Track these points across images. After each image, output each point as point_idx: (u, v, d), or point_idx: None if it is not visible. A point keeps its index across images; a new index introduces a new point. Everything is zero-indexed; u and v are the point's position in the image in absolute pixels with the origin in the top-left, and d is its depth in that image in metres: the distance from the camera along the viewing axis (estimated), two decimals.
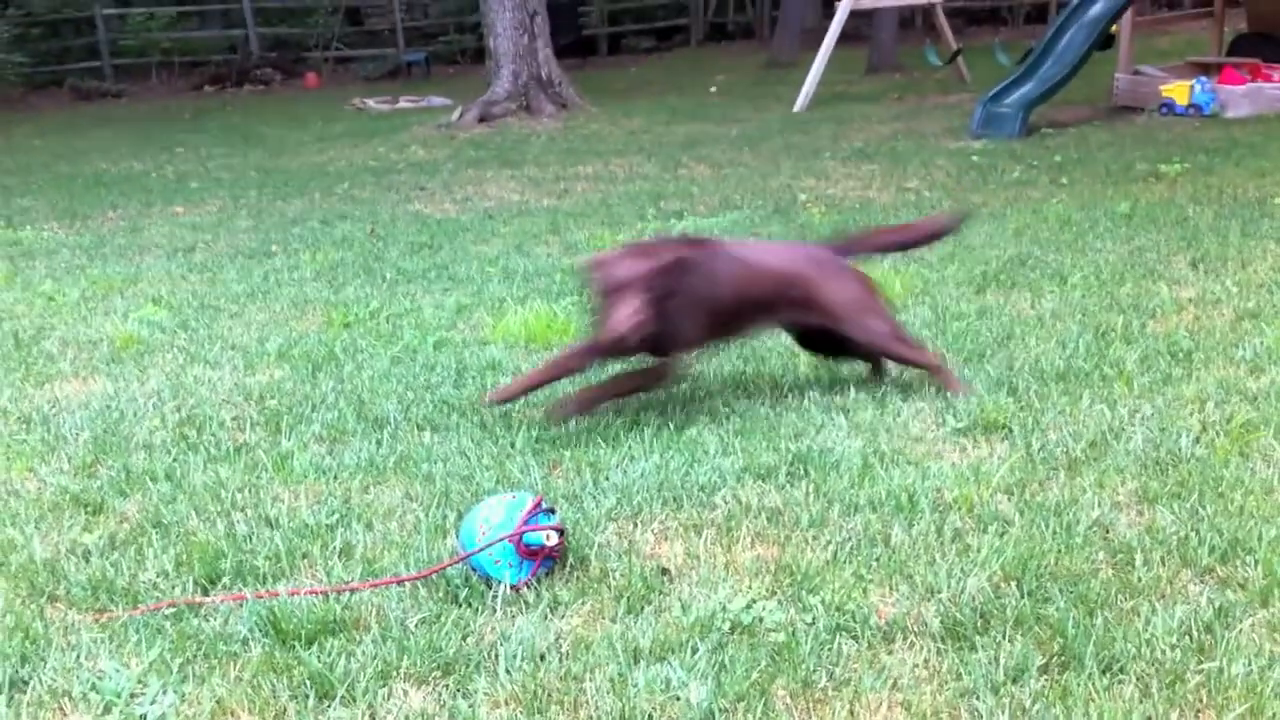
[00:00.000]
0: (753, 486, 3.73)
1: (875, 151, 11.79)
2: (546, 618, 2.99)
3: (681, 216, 8.83)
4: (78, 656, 2.87)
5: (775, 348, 5.21)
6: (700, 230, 8.17)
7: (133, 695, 2.70)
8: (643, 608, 3.02)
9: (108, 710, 2.65)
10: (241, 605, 3.08)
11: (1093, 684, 2.58)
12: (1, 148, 17.67)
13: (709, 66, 24.56)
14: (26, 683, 2.78)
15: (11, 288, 7.48)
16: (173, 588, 3.23)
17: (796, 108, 15.98)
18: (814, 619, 2.91)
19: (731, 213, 8.89)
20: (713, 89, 19.97)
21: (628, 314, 4.06)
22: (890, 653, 2.77)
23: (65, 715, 2.66)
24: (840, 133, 13.42)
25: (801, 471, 3.82)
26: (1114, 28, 13.46)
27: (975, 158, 10.90)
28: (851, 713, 2.56)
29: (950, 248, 7.10)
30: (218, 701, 2.68)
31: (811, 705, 2.59)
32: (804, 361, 4.99)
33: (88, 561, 3.40)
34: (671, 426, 4.33)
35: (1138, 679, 2.60)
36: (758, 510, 3.55)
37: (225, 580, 3.26)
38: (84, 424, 4.66)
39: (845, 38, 16.99)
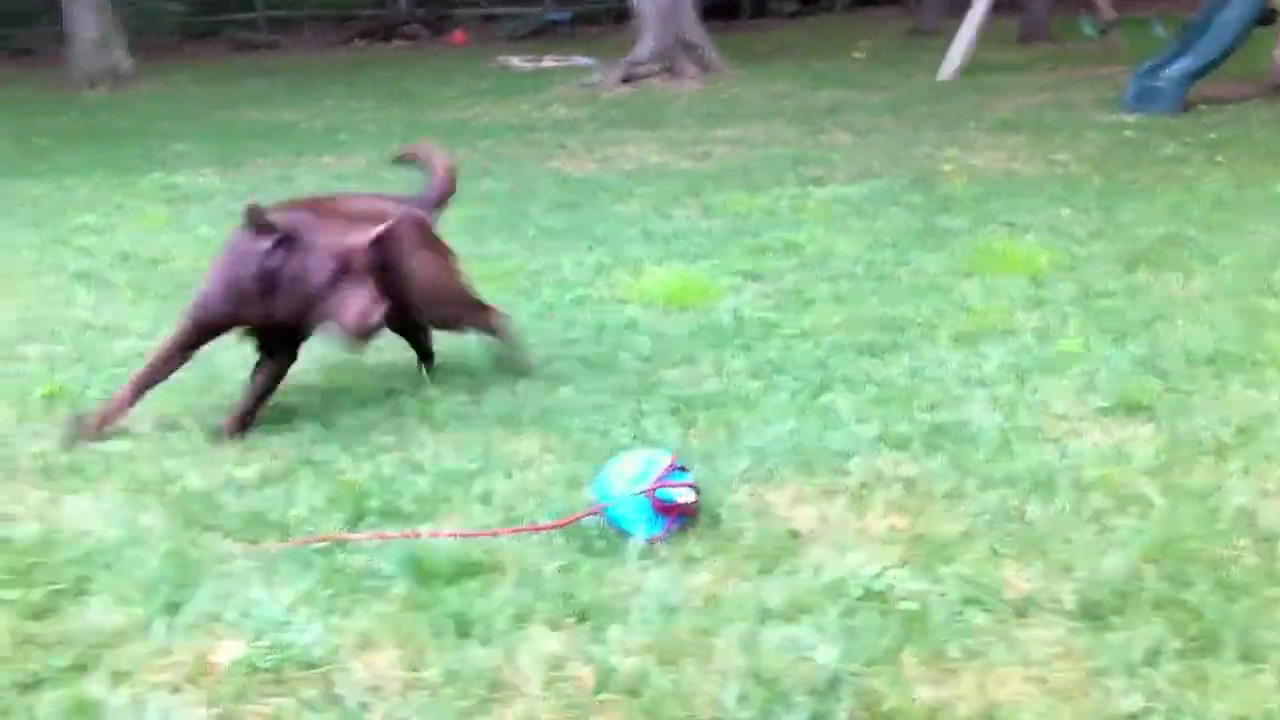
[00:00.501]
0: (888, 455, 3.74)
1: (1022, 123, 11.55)
2: (679, 573, 3.04)
3: (821, 183, 8.78)
4: (231, 584, 3.01)
5: (915, 318, 5.19)
6: (840, 199, 8.13)
7: (283, 624, 2.82)
8: (774, 569, 3.06)
9: (259, 636, 2.77)
10: (386, 544, 3.19)
11: (1230, 671, 2.54)
12: (160, 94, 18.25)
13: (853, 32, 24.23)
14: (182, 606, 2.91)
15: (170, 230, 7.78)
16: (322, 524, 3.36)
17: (942, 76, 15.70)
18: (946, 590, 2.92)
19: (872, 180, 8.81)
20: (857, 55, 19.71)
21: (369, 301, 3.87)
22: (1023, 628, 2.76)
23: (218, 639, 2.79)
24: (986, 102, 13.16)
25: (938, 443, 3.81)
26: (1276, 3, 12.94)
27: (1127, 132, 10.62)
28: (981, 685, 2.56)
29: (1099, 224, 6.97)
30: (362, 634, 2.78)
31: (941, 674, 2.60)
32: (944, 333, 4.96)
33: (241, 495, 3.56)
34: (807, 392, 4.34)
35: (1278, 669, 2.56)
36: (892, 479, 3.56)
37: (371, 519, 3.38)
38: (239, 363, 4.82)
39: (995, 6, 16.63)
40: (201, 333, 4.18)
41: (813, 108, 13.61)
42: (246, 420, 4.13)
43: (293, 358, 4.27)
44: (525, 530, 3.26)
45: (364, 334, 3.85)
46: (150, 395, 4.37)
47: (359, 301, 3.80)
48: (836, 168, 9.54)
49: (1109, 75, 14.68)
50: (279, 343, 4.18)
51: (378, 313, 3.82)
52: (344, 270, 3.80)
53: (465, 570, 3.05)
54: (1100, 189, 8.14)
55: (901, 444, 3.82)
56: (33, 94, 18.97)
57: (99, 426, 4.00)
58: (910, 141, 10.75)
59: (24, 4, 27.16)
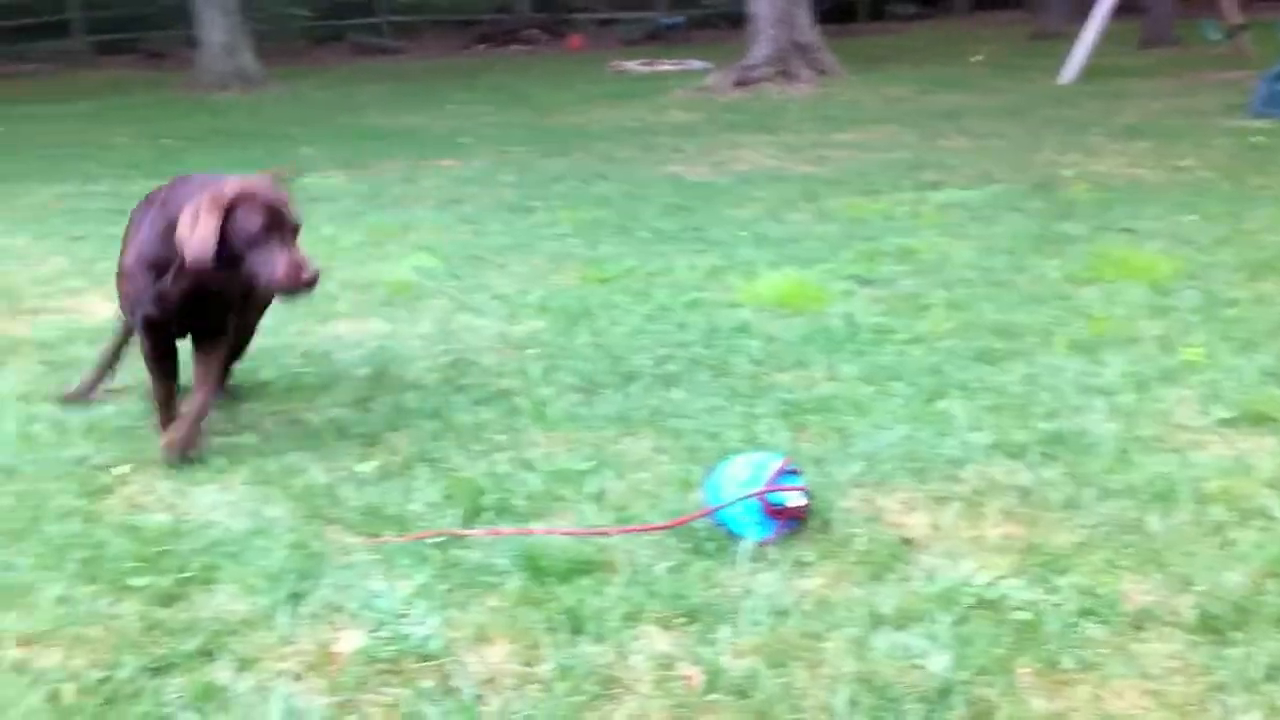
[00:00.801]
0: (1002, 464, 3.70)
1: (1147, 128, 11.31)
2: (789, 576, 3.05)
3: (938, 188, 8.69)
4: (352, 576, 3.09)
5: (1031, 325, 5.13)
6: (957, 204, 8.05)
7: (400, 615, 2.89)
8: (885, 575, 3.05)
9: (378, 627, 2.85)
10: (501, 540, 3.25)
11: None
12: (288, 98, 18.71)
13: (973, 35, 23.94)
14: (305, 596, 3.00)
15: None
16: (438, 519, 3.43)
17: (1063, 80, 15.44)
18: (1061, 601, 2.88)
19: (991, 186, 8.70)
20: (975, 59, 19.47)
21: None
22: (1140, 641, 2.72)
23: (338, 629, 2.87)
24: (1109, 107, 12.91)
25: (1054, 452, 3.77)
26: None
27: (1255, 138, 10.34)
28: (1096, 697, 2.53)
29: (1225, 231, 6.80)
30: (478, 627, 2.84)
31: (1055, 685, 2.58)
32: (1062, 341, 4.89)
33: (362, 489, 3.65)
34: (921, 398, 4.32)
35: None
36: (1007, 488, 3.53)
37: (486, 515, 3.45)
38: (360, 361, 4.96)
39: (1118, 9, 16.30)
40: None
41: (930, 112, 13.48)
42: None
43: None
44: (637, 530, 3.30)
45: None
46: (279, 393, 4.52)
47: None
48: (954, 173, 9.44)
49: (1235, 80, 14.32)
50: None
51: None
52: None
53: (578, 568, 3.09)
54: (1227, 195, 7.95)
55: (1017, 452, 3.78)
56: (164, 97, 19.56)
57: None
58: (1030, 147, 10.59)
59: (155, 8, 28.08)
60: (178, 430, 3.84)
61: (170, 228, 3.58)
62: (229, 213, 3.48)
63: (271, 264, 3.49)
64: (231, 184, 3.56)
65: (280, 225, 3.52)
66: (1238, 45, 17.04)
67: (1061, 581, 2.96)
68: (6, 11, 27.88)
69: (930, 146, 10.98)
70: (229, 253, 3.50)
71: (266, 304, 4.26)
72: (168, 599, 2.98)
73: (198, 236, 3.44)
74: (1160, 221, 7.21)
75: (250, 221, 3.48)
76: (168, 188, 3.82)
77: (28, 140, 14.67)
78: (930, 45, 22.81)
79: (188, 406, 3.91)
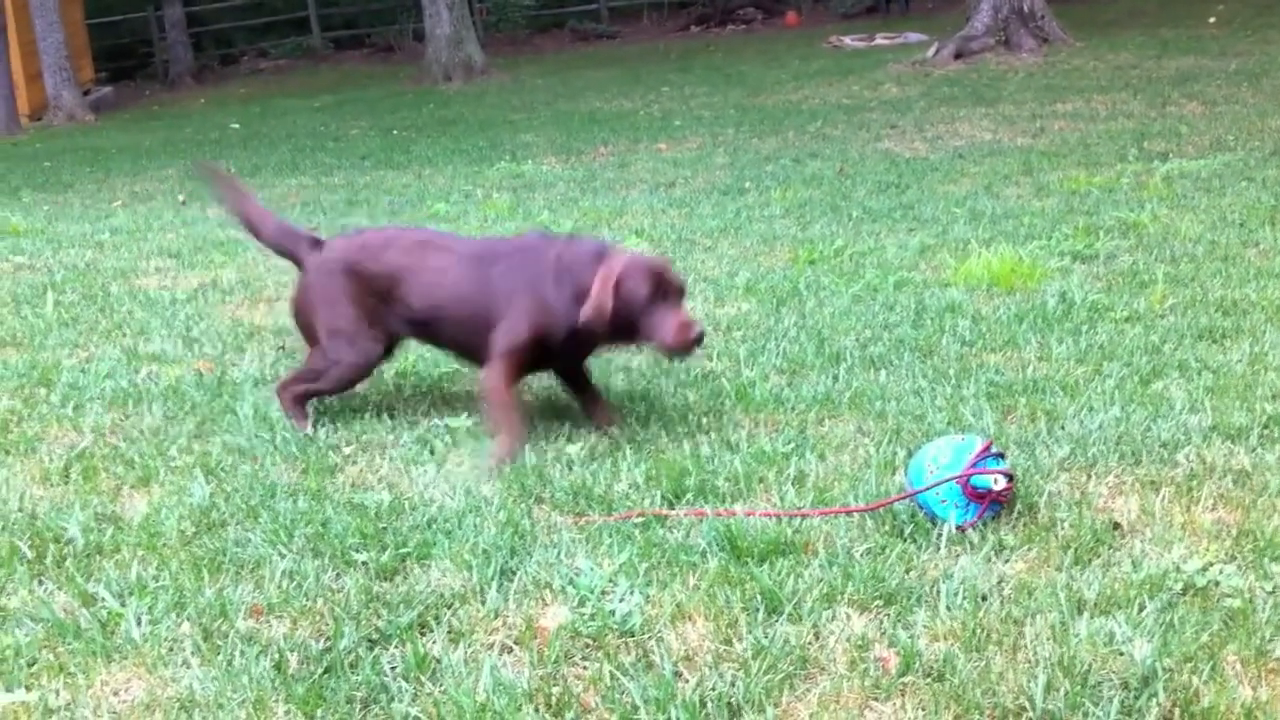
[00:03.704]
0: (1220, 446, 3.58)
1: None
2: (990, 560, 3.03)
3: (1166, 158, 8.36)
4: (558, 554, 3.21)
5: (1260, 301, 4.91)
6: (1185, 174, 7.73)
7: (603, 592, 2.99)
8: (1090, 560, 3.00)
9: (582, 603, 2.95)
10: (702, 521, 3.32)
11: None
12: (510, 87, 19.21)
13: None
14: (514, 573, 3.13)
15: (514, 216, 8.22)
16: (642, 499, 3.52)
17: None
18: (1275, 587, 2.79)
19: (1223, 154, 8.32)
20: (1211, 20, 18.51)
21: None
22: None
23: (545, 605, 2.99)
24: None
25: (1276, 435, 3.62)
26: None
27: None
28: None
29: None
30: (678, 605, 2.92)
31: (1264, 674, 2.50)
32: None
33: (570, 470, 3.77)
34: (1136, 379, 4.20)
35: None
36: (1223, 471, 3.41)
37: (689, 496, 3.52)
38: None
39: None
40: None
41: (1160, 78, 12.93)
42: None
43: None
44: (837, 512, 3.32)
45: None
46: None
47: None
48: (1184, 141, 9.07)
49: None
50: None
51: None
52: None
53: (777, 549, 3.14)
54: None
55: (1236, 435, 3.65)
56: (393, 89, 20.33)
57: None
58: (1268, 112, 10.07)
59: (386, 4, 29.15)
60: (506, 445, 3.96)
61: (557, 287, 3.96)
62: (619, 284, 3.85)
63: (663, 327, 3.84)
64: (618, 260, 3.93)
65: (666, 290, 3.87)
66: None
67: (1277, 568, 2.87)
68: (250, 11, 29.40)
69: (1159, 114, 10.55)
70: (621, 319, 3.88)
71: None
72: (387, 573, 3.16)
73: (595, 305, 3.86)
74: None
75: (639, 290, 3.84)
76: (537, 248, 4.10)
77: (270, 134, 15.50)
78: (1161, 7, 21.76)
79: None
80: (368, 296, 4.16)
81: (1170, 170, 7.91)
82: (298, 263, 4.35)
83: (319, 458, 3.97)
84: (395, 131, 14.39)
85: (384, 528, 3.38)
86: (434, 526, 3.39)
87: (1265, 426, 3.68)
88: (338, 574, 3.16)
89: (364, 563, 3.19)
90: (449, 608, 2.97)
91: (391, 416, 4.33)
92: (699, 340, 3.88)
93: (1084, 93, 12.31)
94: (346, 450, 4.05)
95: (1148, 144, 9.08)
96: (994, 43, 16.34)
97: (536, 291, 3.99)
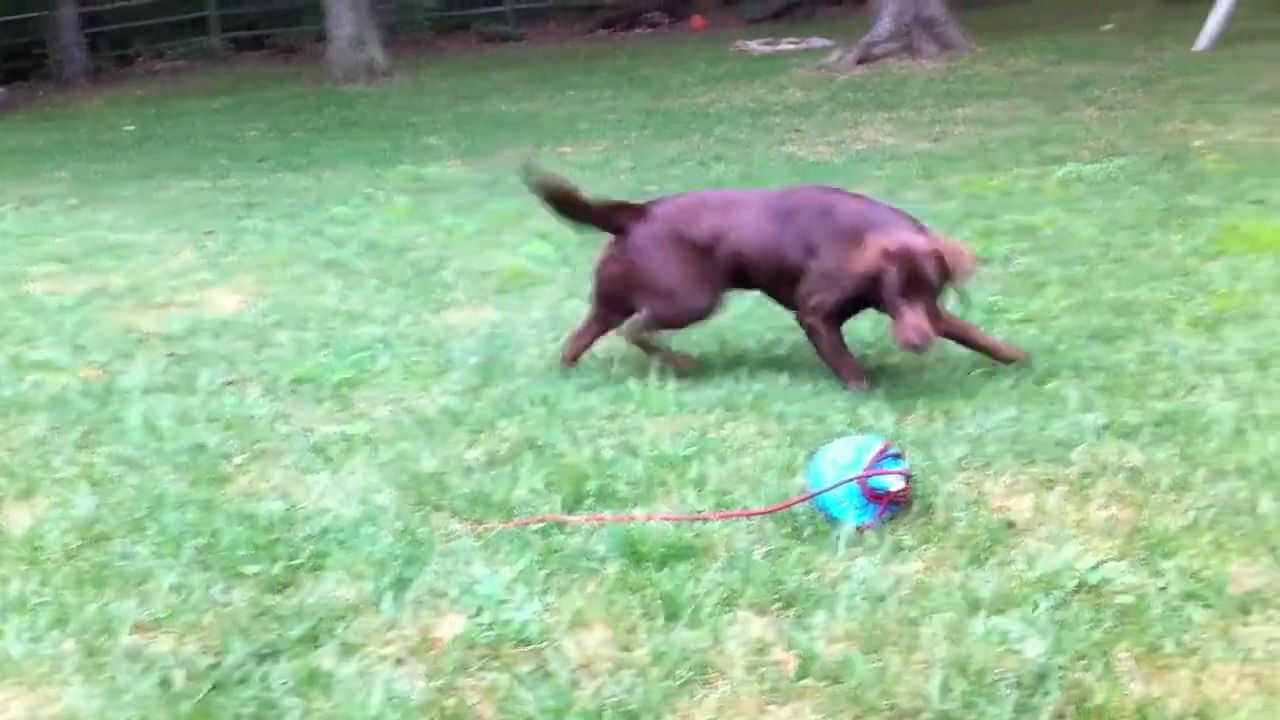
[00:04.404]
0: (1112, 445, 3.63)
1: None
2: (888, 561, 3.04)
3: (1062, 162, 8.50)
4: (455, 562, 3.15)
5: (1151, 302, 5.00)
6: (1080, 178, 7.87)
7: (501, 601, 2.94)
8: (986, 559, 3.02)
9: (479, 612, 2.91)
10: (602, 526, 3.29)
11: None
12: (411, 89, 19.01)
13: (1105, 3, 23.23)
14: (410, 582, 3.07)
15: (415, 220, 8.12)
16: (542, 505, 3.48)
17: (1198, 46, 14.93)
18: (1166, 584, 2.83)
19: (1117, 159, 8.48)
20: (1107, 27, 18.92)
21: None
22: (1245, 624, 2.66)
23: (441, 614, 2.94)
24: (1245, 74, 12.46)
25: (1167, 433, 3.68)
26: None
27: None
28: (1196, 681, 2.48)
29: None
30: (576, 612, 2.88)
31: (1154, 670, 2.53)
32: (1182, 318, 4.77)
33: (469, 476, 3.72)
34: (1031, 379, 4.25)
35: None
36: (1116, 469, 3.46)
37: (589, 502, 3.49)
38: (472, 349, 5.04)
39: None
40: None
41: (1058, 84, 13.17)
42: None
43: None
44: (736, 515, 3.31)
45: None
46: (393, 381, 4.65)
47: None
48: (1079, 146, 9.23)
49: None
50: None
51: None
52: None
53: (676, 553, 3.12)
54: None
55: (1128, 433, 3.70)
56: (294, 91, 20.03)
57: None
58: (1160, 117, 10.30)
59: (286, 4, 28.73)
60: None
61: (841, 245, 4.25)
62: (877, 261, 4.08)
63: (899, 323, 4.07)
64: (899, 239, 4.12)
65: (918, 287, 4.03)
66: None
67: (1167, 565, 2.91)
68: (148, 11, 28.80)
69: (1055, 119, 10.74)
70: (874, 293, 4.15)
71: None
72: (278, 586, 3.08)
73: (860, 270, 4.13)
74: None
75: (892, 279, 4.04)
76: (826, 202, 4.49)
77: (166, 135, 15.18)
78: (1062, 15, 22.19)
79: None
80: (694, 255, 4.49)
81: (1066, 174, 8.04)
82: (618, 232, 4.66)
83: (209, 467, 3.88)
84: (295, 133, 14.18)
85: (276, 539, 3.31)
86: (328, 536, 3.32)
87: (1156, 425, 3.74)
88: (227, 587, 3.08)
89: (255, 575, 3.12)
90: (342, 620, 2.91)
91: (285, 424, 4.24)
92: (920, 348, 4.07)
93: (984, 98, 12.50)
94: (238, 459, 3.96)
95: (1045, 148, 9.22)
96: (897, 48, 16.52)
97: (837, 247, 4.26)
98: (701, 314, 4.63)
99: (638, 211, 4.69)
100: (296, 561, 3.17)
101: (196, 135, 14.87)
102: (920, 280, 4.04)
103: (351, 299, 6.07)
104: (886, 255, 4.06)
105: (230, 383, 4.78)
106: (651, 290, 4.55)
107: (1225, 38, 14.97)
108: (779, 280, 4.51)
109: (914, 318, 4.03)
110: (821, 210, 4.44)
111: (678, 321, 4.64)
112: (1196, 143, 8.86)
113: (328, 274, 6.65)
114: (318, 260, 7.01)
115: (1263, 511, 3.13)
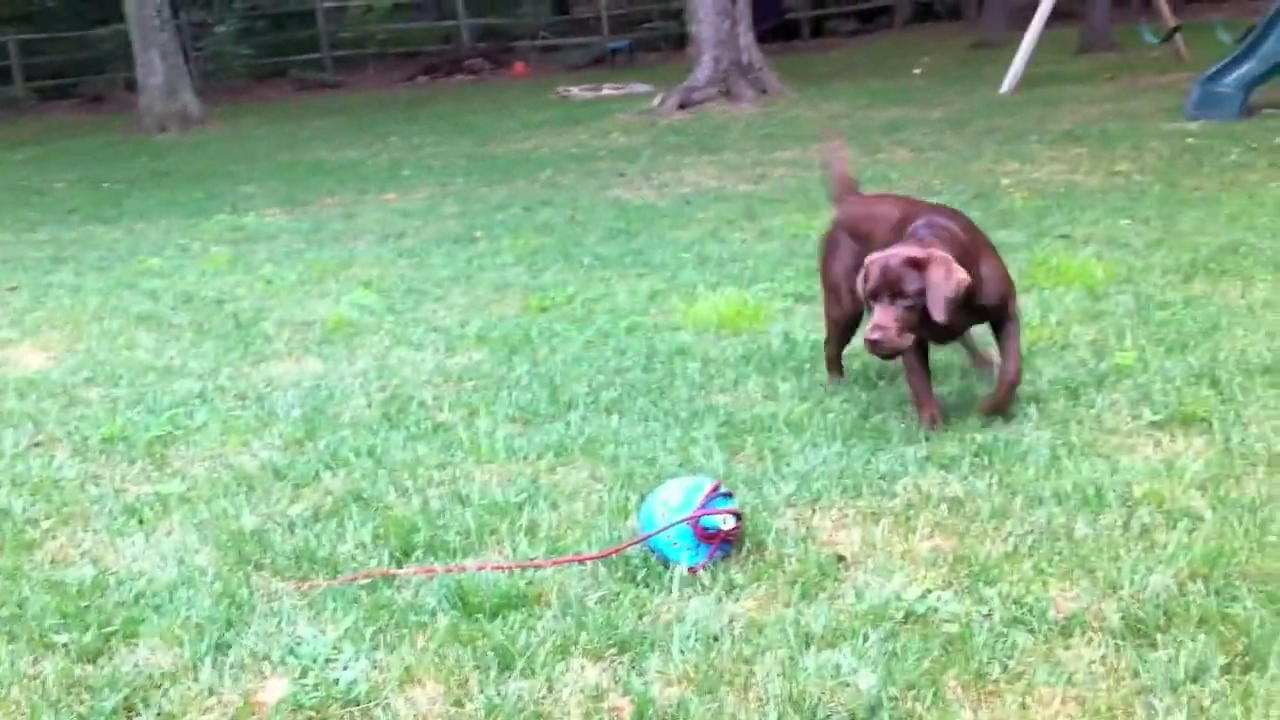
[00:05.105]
0: (935, 476, 3.71)
1: (1084, 134, 11.42)
2: (721, 600, 3.04)
3: None
4: (279, 622, 3.05)
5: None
6: None
7: (328, 661, 2.86)
8: (817, 594, 3.05)
9: (304, 674, 2.81)
10: (432, 578, 3.22)
11: (1276, 685, 2.49)
12: (229, 136, 18.62)
13: (914, 48, 24.11)
14: (230, 646, 2.95)
15: (234, 271, 7.91)
16: (369, 559, 3.39)
17: (1003, 89, 15.58)
18: (990, 611, 2.89)
19: (931, 198, 8.72)
20: (917, 71, 19.62)
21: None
22: (1067, 648, 2.73)
23: (264, 678, 2.83)
24: (1048, 114, 13.04)
25: (986, 462, 3.78)
26: None
27: (1190, 140, 10.45)
28: (1023, 706, 2.54)
29: (1159, 234, 6.88)
30: (406, 669, 2.81)
31: (982, 696, 2.58)
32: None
33: (293, 532, 3.60)
34: (856, 413, 4.32)
35: None
36: (938, 500, 3.53)
37: (418, 554, 3.41)
38: (295, 402, 4.91)
39: (1057, 16, 16.51)
40: None
41: (871, 127, 13.56)
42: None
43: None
44: (569, 561, 3.28)
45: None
46: (211, 437, 4.50)
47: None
48: (894, 186, 9.47)
49: (1172, 83, 14.50)
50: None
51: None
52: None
53: (509, 602, 3.07)
54: (1161, 198, 8.03)
55: (949, 464, 3.79)
56: (105, 140, 19.42)
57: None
58: (970, 157, 10.67)
59: (95, 52, 27.86)
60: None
61: None
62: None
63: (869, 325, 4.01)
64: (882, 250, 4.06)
65: (881, 290, 3.94)
66: (1174, 48, 17.24)
67: (990, 591, 2.97)
68: None
69: (871, 160, 11.03)
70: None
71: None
72: (90, 655, 2.93)
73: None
74: (1096, 226, 7.28)
75: (864, 282, 4.00)
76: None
77: None
78: (872, 60, 22.95)
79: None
80: (851, 258, 4.45)
81: None
82: None
83: (14, 533, 3.69)
84: (106, 184, 13.71)
85: (87, 605, 3.16)
86: (142, 602, 3.18)
87: (975, 455, 3.83)
88: (36, 658, 2.93)
89: (65, 645, 2.97)
90: (158, 688, 2.79)
91: (96, 485, 4.06)
92: (877, 346, 3.95)
93: (801, 141, 12.78)
94: (45, 524, 3.77)
95: (861, 189, 9.43)
96: (716, 93, 16.85)
97: None
98: (840, 324, 4.73)
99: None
100: (109, 629, 3.03)
101: (1, 188, 14.26)
102: (888, 284, 3.92)
103: (167, 353, 5.86)
104: (870, 261, 4.03)
105: (37, 444, 4.56)
106: None
107: (1028, 80, 15.66)
108: None
109: (879, 318, 3.94)
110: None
111: (828, 330, 4.81)
112: (1004, 181, 9.20)
113: (141, 328, 6.42)
114: (130, 314, 6.77)
115: (1079, 535, 3.22)
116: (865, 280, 3.99)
